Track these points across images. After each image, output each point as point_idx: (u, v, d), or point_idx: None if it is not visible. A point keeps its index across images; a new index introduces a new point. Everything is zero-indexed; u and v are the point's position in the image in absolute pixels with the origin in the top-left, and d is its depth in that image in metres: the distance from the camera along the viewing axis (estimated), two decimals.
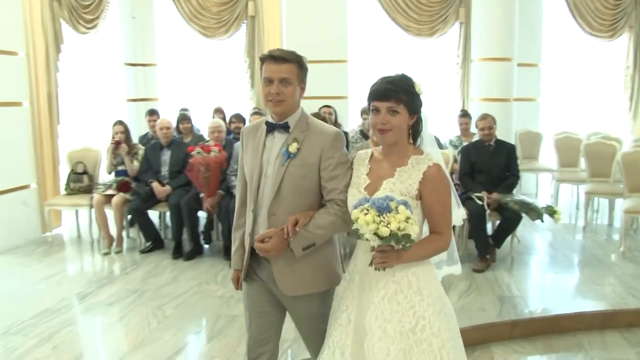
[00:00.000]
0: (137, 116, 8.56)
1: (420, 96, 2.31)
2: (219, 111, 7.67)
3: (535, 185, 8.74)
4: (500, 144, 5.69)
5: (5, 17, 6.25)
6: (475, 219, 5.34)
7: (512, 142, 6.78)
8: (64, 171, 6.80)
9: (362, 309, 2.29)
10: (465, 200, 5.47)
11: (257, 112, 6.27)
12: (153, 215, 6.32)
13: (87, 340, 4.16)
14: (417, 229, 2.10)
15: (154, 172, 5.99)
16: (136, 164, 6.17)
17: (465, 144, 6.22)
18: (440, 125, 7.79)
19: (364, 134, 6.83)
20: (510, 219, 5.40)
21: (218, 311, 4.36)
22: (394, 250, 2.14)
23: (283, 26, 8.64)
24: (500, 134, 6.12)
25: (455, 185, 5.95)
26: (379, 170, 2.34)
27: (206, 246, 6.10)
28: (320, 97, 7.28)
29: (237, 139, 6.35)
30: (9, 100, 6.31)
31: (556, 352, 3.97)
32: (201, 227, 6.09)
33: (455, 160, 6.03)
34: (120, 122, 6.31)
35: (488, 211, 5.32)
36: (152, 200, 5.88)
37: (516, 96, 7.91)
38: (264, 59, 2.41)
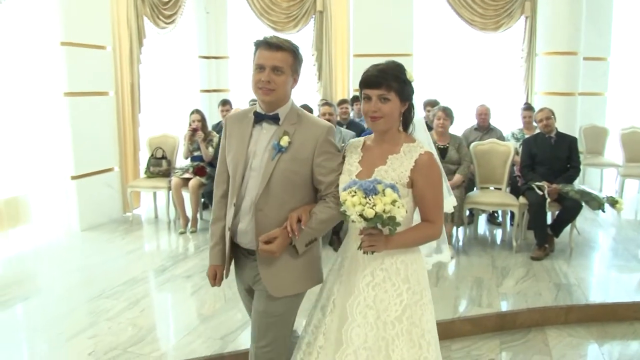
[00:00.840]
0: (210, 106, 9.04)
1: (412, 83, 2.30)
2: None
3: (599, 180, 8.64)
4: (561, 136, 5.74)
5: (95, 15, 6.79)
6: (535, 208, 5.44)
7: (577, 136, 6.80)
8: (144, 156, 7.32)
9: (347, 293, 2.29)
10: (526, 191, 5.59)
11: (326, 103, 6.54)
12: None
13: (166, 306, 4.60)
14: (404, 212, 2.08)
15: None
16: (211, 150, 6.59)
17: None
18: (504, 118, 7.87)
19: (428, 126, 7.02)
20: (569, 208, 5.45)
21: None
22: (382, 235, 2.14)
23: (350, 21, 8.90)
24: (564, 128, 6.17)
25: (515, 177, 6.09)
26: (371, 157, 2.32)
27: None
28: None
29: None
30: (97, 90, 6.85)
31: (611, 339, 4.02)
32: None
33: (516, 153, 6.14)
34: (197, 111, 6.75)
35: (548, 200, 5.38)
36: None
37: (582, 90, 7.86)
38: (258, 45, 2.32)
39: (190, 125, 6.68)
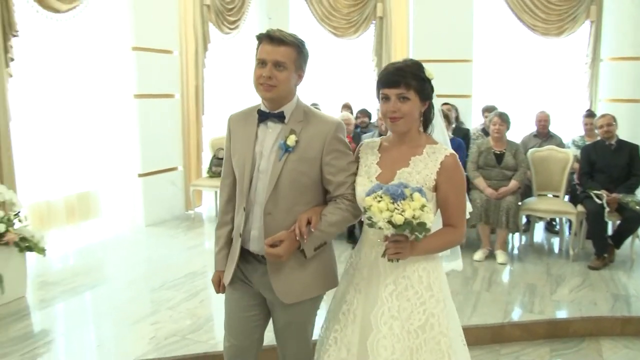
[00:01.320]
0: None
1: (432, 81, 2.20)
2: (346, 107, 8.14)
3: None
4: (622, 144, 5.61)
5: (164, 21, 7.13)
6: (593, 217, 5.35)
7: None
8: (207, 156, 7.63)
9: (369, 304, 2.19)
10: (584, 199, 5.51)
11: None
12: None
13: (222, 298, 4.77)
14: (432, 217, 2.00)
15: None
16: None
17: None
18: (565, 125, 7.73)
19: (485, 132, 7.00)
20: (630, 220, 5.33)
21: None
22: (408, 241, 2.04)
23: (410, 26, 8.94)
24: (629, 136, 6.02)
25: (575, 185, 6.00)
26: (391, 159, 2.22)
27: None
28: (444, 95, 7.53)
29: (364, 132, 6.81)
30: (164, 92, 7.19)
31: None
32: None
33: (576, 160, 6.05)
34: None
35: (607, 209, 5.28)
36: None
37: None
38: (260, 39, 2.19)
39: None
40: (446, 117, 5.66)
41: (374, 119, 7.78)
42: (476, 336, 3.85)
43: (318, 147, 2.20)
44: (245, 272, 2.34)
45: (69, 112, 6.23)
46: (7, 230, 4.23)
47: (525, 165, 5.82)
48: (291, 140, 2.17)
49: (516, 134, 6.40)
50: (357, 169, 2.26)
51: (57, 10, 5.74)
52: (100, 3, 6.32)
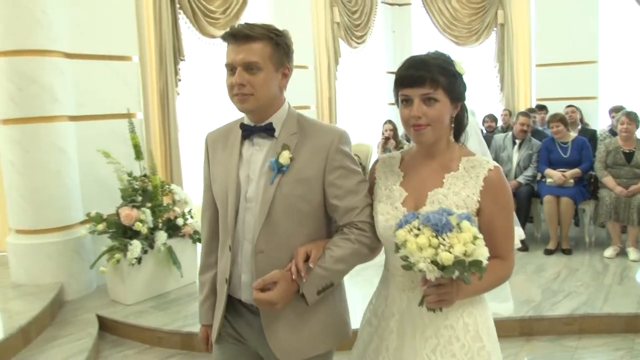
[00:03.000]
0: (397, 117, 9.79)
1: (463, 77, 1.72)
2: (470, 113, 8.50)
3: None
4: None
5: (301, 39, 7.87)
6: None
7: None
8: None
9: None
10: None
11: (523, 114, 6.77)
12: None
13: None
14: (487, 252, 1.50)
15: None
16: None
17: None
18: None
19: (613, 133, 7.08)
20: None
21: None
22: (453, 283, 1.56)
23: (532, 31, 9.14)
24: None
25: None
26: (418, 178, 1.75)
27: None
28: (568, 97, 7.71)
29: (490, 137, 7.13)
30: (302, 104, 7.90)
31: None
32: None
33: None
34: (389, 122, 7.55)
35: None
36: None
37: None
38: (224, 40, 1.75)
39: (383, 134, 7.47)
40: (561, 120, 5.91)
41: (499, 123, 8.08)
42: (609, 324, 4.07)
43: (318, 164, 1.76)
44: (237, 327, 1.89)
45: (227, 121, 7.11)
46: (184, 224, 5.00)
47: None
48: (284, 157, 1.73)
49: None
50: (374, 192, 1.81)
51: (213, 36, 6.64)
52: None
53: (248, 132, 1.82)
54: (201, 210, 2.00)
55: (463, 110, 1.76)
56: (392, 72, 10.18)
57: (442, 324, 1.69)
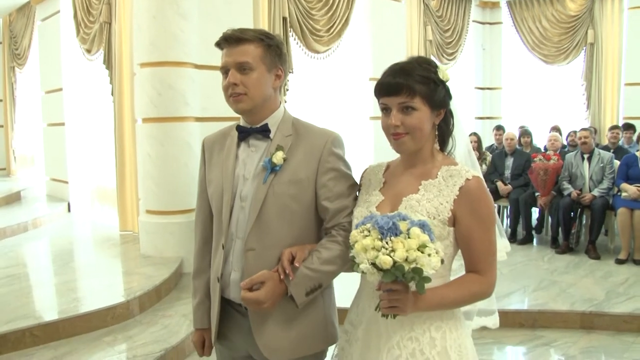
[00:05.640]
0: (483, 131, 10.22)
1: (447, 83, 1.70)
2: (555, 129, 8.78)
3: None
4: None
5: (395, 55, 8.41)
6: None
7: None
8: None
9: None
10: None
11: (583, 129, 7.09)
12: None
13: None
14: (437, 262, 1.47)
15: (498, 174, 7.47)
16: (484, 167, 7.76)
17: None
18: None
19: None
20: None
21: (542, 276, 5.49)
22: (408, 291, 1.53)
23: (623, 50, 9.31)
24: None
25: None
26: (397, 185, 1.74)
27: (536, 235, 7.25)
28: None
29: (572, 149, 7.44)
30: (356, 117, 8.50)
31: None
32: (534, 220, 7.34)
33: None
34: (474, 134, 7.99)
35: None
36: (495, 195, 7.35)
37: None
38: (218, 45, 1.83)
39: None
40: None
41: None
42: None
43: (311, 166, 1.81)
44: (226, 330, 1.92)
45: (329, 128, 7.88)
46: None
47: None
48: (278, 157, 1.79)
49: None
50: (358, 198, 1.85)
51: (317, 51, 7.41)
52: (347, 45, 7.91)
53: (244, 134, 1.87)
54: (195, 215, 2.03)
55: (447, 117, 1.74)
56: (480, 88, 10.64)
57: (407, 335, 1.64)
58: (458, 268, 1.75)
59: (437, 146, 1.75)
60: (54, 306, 4.15)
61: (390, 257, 1.43)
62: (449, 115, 1.75)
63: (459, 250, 1.71)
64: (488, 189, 1.70)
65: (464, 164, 1.72)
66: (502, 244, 1.88)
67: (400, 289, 1.51)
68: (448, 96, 1.71)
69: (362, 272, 1.49)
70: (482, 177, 1.69)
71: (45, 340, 3.69)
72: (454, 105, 1.74)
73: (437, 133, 1.73)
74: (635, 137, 8.08)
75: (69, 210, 8.21)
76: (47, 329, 3.72)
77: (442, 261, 1.54)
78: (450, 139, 1.78)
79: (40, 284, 4.81)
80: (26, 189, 9.15)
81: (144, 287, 4.47)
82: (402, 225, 1.48)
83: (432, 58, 8.66)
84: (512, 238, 7.04)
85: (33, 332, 3.66)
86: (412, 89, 1.62)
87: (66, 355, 3.56)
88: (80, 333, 3.85)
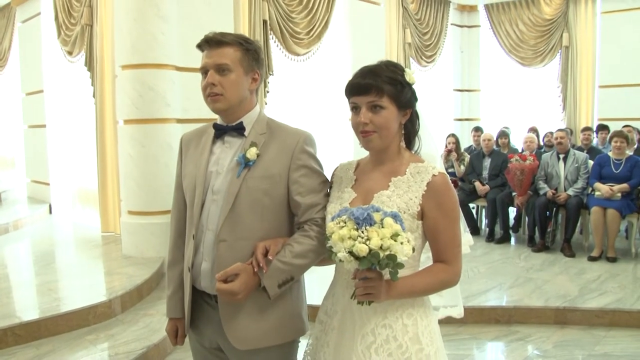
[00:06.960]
0: (462, 132, 10.39)
1: (413, 86, 1.82)
2: (533, 130, 8.95)
3: None
4: None
5: (375, 58, 8.57)
6: None
7: None
8: None
9: None
10: None
11: (560, 129, 7.27)
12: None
13: None
14: (409, 250, 1.58)
15: (476, 174, 7.58)
16: (462, 167, 7.90)
17: None
18: None
19: None
20: None
21: (518, 273, 5.62)
22: (382, 279, 1.65)
23: (597, 54, 9.53)
24: None
25: None
26: (368, 182, 1.84)
27: (514, 234, 7.39)
28: (630, 118, 8.07)
29: (548, 149, 7.60)
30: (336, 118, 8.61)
31: None
32: (511, 220, 7.46)
33: None
34: (452, 135, 8.13)
35: None
36: (473, 195, 7.49)
37: None
38: (199, 47, 1.91)
39: (445, 147, 8.07)
40: (625, 137, 6.35)
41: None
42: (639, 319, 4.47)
43: (284, 162, 1.88)
44: (198, 321, 1.99)
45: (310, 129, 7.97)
46: None
47: None
48: (252, 153, 1.86)
49: None
50: (329, 195, 1.92)
51: (297, 54, 7.49)
52: (327, 48, 8.00)
53: (220, 131, 1.95)
54: (171, 208, 2.10)
55: (413, 117, 1.85)
56: (459, 90, 10.80)
57: (381, 322, 1.74)
58: (425, 260, 1.85)
59: (403, 144, 1.86)
60: (35, 306, 4.18)
61: (366, 245, 1.54)
62: (415, 116, 1.85)
63: (427, 243, 1.82)
64: (462, 188, 1.85)
65: (429, 162, 1.81)
66: (466, 238, 1.98)
67: (374, 277, 1.62)
68: (414, 98, 1.82)
69: (340, 261, 1.59)
70: (447, 173, 1.81)
71: (27, 339, 3.73)
72: (419, 107, 1.86)
73: (403, 132, 1.84)
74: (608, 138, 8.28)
75: (51, 212, 8.20)
76: (29, 328, 3.76)
77: (413, 249, 1.63)
78: (417, 139, 1.88)
79: (21, 285, 4.83)
80: (7, 191, 9.13)
81: (126, 287, 4.51)
82: (376, 216, 1.59)
83: (411, 60, 9.01)
84: (490, 237, 7.17)
85: (15, 332, 3.69)
86: (381, 89, 1.73)
87: (49, 354, 3.60)
88: (62, 332, 3.88)
